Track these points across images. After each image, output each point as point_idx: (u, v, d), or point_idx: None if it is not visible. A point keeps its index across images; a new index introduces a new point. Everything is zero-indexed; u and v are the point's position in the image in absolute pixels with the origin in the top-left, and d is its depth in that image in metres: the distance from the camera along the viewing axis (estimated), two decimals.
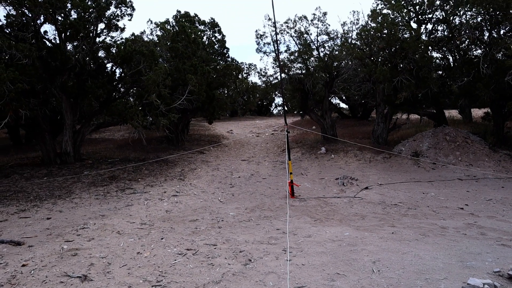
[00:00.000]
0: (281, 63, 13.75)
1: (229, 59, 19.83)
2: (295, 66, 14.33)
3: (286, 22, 14.29)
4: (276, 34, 11.32)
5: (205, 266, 4.75)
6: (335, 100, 22.40)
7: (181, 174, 11.09)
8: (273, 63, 15.92)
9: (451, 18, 12.05)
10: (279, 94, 35.17)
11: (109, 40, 11.33)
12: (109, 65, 11.57)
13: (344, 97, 21.71)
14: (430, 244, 5.22)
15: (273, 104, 37.27)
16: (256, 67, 28.17)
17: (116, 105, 10.30)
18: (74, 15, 10.42)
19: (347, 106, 24.86)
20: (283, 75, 14.14)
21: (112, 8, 10.84)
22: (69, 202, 8.23)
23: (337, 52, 13.91)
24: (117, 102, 10.32)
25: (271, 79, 16.75)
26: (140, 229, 6.41)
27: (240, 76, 20.41)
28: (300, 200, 8.35)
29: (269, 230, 6.24)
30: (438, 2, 12.25)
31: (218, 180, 10.42)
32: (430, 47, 12.43)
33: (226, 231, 6.27)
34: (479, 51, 11.99)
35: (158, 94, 10.37)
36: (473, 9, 11.14)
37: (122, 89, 12.21)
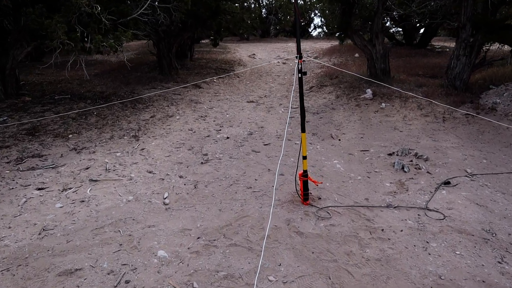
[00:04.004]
0: None
1: None
2: None
3: None
4: None
5: None
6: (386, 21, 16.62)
7: (142, 127, 6.85)
8: None
9: None
10: (318, 13, 28.90)
11: None
12: None
13: (397, 17, 15.86)
14: None
15: (312, 24, 31.07)
16: None
17: (28, 14, 5.87)
18: None
19: (400, 30, 18.87)
20: None
21: None
22: None
23: None
24: (28, 11, 5.86)
25: None
26: None
27: None
28: (317, 212, 3.99)
29: None
30: None
31: (192, 144, 6.13)
32: None
33: None
34: None
35: None
36: None
37: None
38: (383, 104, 7.64)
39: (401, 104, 7.51)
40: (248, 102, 8.95)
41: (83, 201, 4.23)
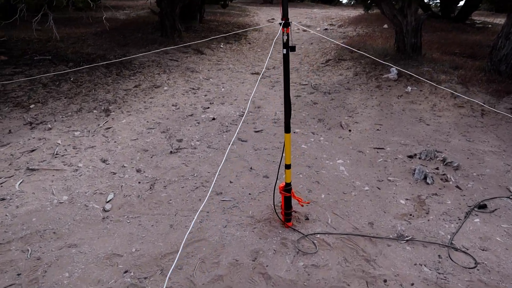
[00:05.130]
0: None
1: None
2: None
3: None
4: None
5: None
6: None
7: (119, 99, 5.79)
8: None
9: None
10: None
11: None
12: None
13: None
14: None
15: None
16: None
17: None
18: None
19: (437, 0, 16.71)
20: None
21: None
22: None
23: None
24: None
25: None
26: None
27: None
28: (298, 242, 2.89)
29: None
30: None
31: (168, 125, 5.03)
32: None
33: None
34: None
35: None
36: None
37: None
38: (409, 87, 6.27)
39: (431, 89, 6.11)
40: (252, 73, 7.70)
41: (3, 200, 3.27)
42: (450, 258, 2.78)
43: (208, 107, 5.69)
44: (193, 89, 6.54)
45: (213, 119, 5.24)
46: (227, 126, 4.99)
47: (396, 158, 4.26)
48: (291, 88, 6.69)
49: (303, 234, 2.96)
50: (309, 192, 3.57)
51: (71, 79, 6.22)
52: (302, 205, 3.24)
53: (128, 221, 3.06)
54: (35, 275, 2.49)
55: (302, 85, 6.84)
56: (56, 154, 4.06)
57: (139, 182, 3.61)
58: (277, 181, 3.24)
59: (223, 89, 6.58)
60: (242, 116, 5.33)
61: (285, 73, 2.62)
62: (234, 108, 5.67)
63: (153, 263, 2.62)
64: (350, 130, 5.01)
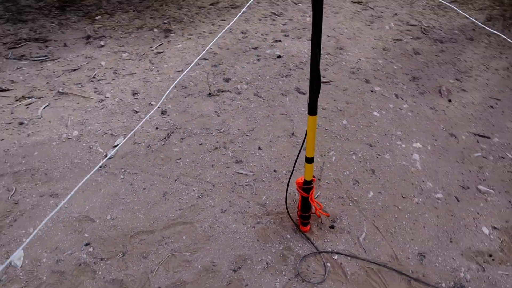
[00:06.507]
0: None
1: None
2: None
3: None
4: None
5: None
6: None
7: (187, 17, 5.15)
8: None
9: None
10: None
11: None
12: None
13: None
14: None
15: None
16: None
17: None
18: None
19: None
20: None
21: None
22: None
23: None
24: None
25: None
26: None
27: None
28: (304, 260, 2.13)
29: None
30: None
31: (223, 57, 4.27)
32: None
33: None
34: None
35: None
36: None
37: None
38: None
39: None
40: (352, 1, 6.22)
41: (21, 124, 3.10)
42: None
43: (280, 40, 4.72)
44: (274, 14, 5.52)
45: (278, 57, 4.32)
46: (290, 70, 4.05)
47: (503, 157, 2.94)
48: (392, 29, 5.20)
49: (316, 249, 2.17)
50: (354, 185, 2.64)
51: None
52: (319, 215, 2.37)
53: (123, 176, 2.62)
54: (3, 223, 2.26)
55: (409, 25, 5.26)
56: (93, 77, 3.74)
57: (156, 128, 3.10)
58: (293, 172, 2.40)
59: (308, 19, 5.42)
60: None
61: (314, 20, 1.60)
62: (308, 46, 4.61)
63: (120, 241, 2.18)
64: (450, 101, 3.64)
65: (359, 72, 4.08)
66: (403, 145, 3.05)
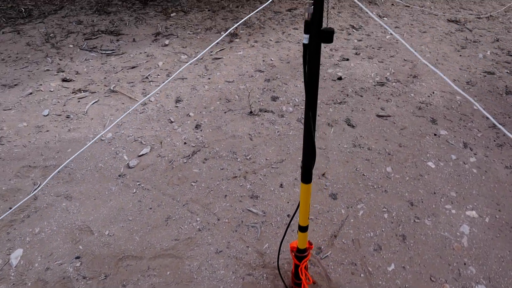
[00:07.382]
0: None
1: None
2: None
3: None
4: None
5: None
6: None
7: (258, 22, 5.01)
8: None
9: None
10: None
11: None
12: None
13: None
14: None
15: None
16: None
17: None
18: None
19: None
20: None
21: None
22: None
23: None
24: None
25: None
26: None
27: None
28: None
29: None
30: None
31: (280, 72, 4.04)
32: None
33: None
34: None
35: None
36: None
37: None
38: None
39: None
40: (448, 21, 5.44)
41: (68, 117, 3.28)
42: None
43: (348, 59, 4.32)
44: (352, 27, 5.09)
45: (339, 78, 3.95)
46: (347, 95, 3.67)
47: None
48: (487, 58, 4.41)
49: None
50: (375, 251, 2.27)
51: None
52: (305, 286, 2.04)
53: (135, 190, 2.61)
54: (18, 217, 2.40)
55: (509, 54, 4.42)
56: (146, 77, 3.81)
57: (185, 143, 3.03)
58: (285, 237, 2.12)
59: (387, 37, 4.88)
60: (380, 85, 3.82)
61: (307, 87, 1.32)
62: (378, 69, 4.13)
63: (108, 262, 2.15)
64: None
65: (427, 109, 3.53)
66: (453, 211, 2.53)
